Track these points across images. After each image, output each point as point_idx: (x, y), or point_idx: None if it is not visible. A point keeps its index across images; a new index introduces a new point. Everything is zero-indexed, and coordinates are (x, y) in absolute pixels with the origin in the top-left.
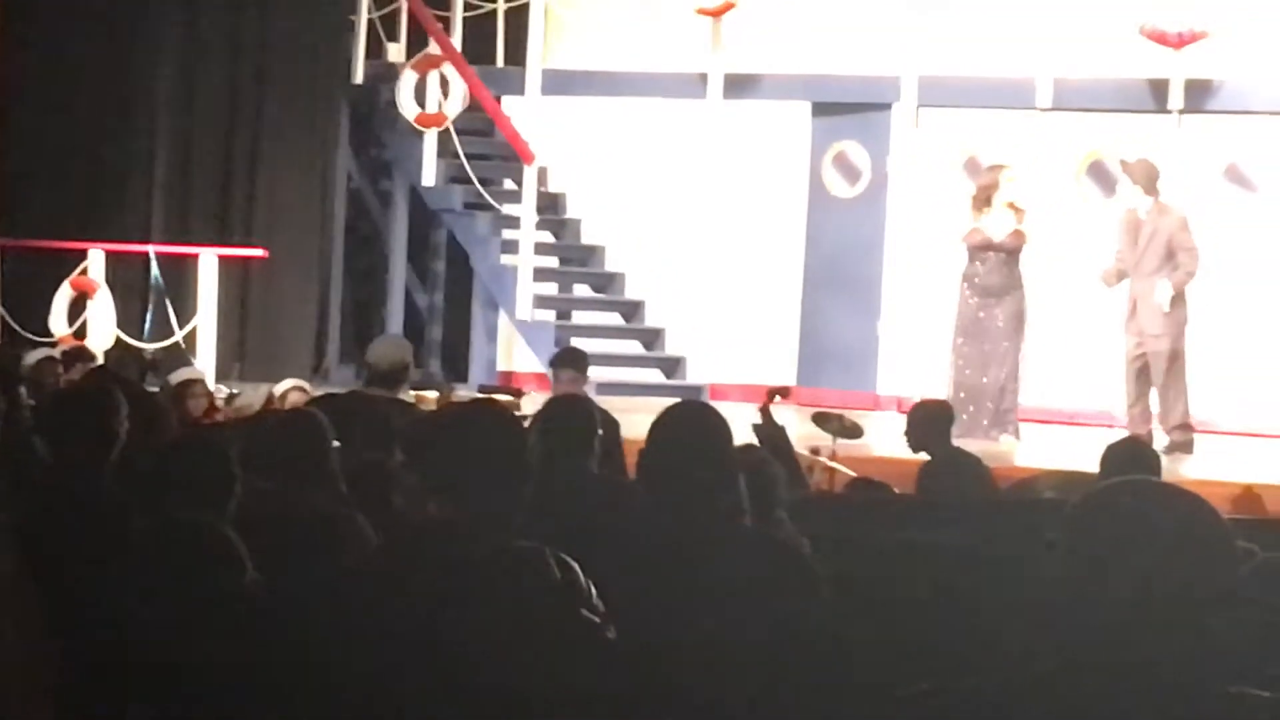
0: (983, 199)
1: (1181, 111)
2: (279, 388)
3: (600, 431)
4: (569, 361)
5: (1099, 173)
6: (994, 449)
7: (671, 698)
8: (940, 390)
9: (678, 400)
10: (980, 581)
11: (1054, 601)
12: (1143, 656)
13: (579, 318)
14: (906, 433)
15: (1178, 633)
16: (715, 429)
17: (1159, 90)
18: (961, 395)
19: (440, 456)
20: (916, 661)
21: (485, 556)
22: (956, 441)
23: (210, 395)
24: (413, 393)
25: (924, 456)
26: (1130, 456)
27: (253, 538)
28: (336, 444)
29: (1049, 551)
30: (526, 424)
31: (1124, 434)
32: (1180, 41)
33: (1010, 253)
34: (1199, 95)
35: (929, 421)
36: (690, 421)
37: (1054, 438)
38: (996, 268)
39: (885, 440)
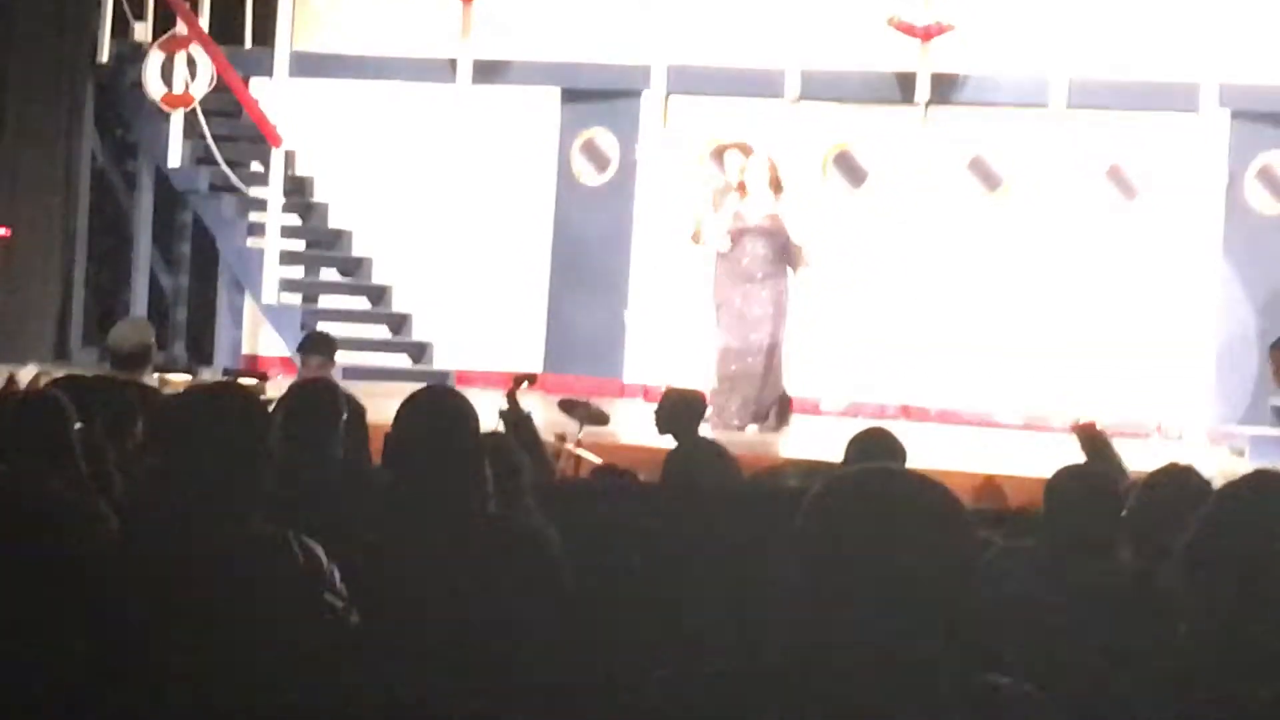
0: (738, 183)
1: (927, 104)
2: (20, 371)
3: (345, 416)
4: (317, 347)
5: (846, 164)
6: (757, 439)
7: (414, 683)
8: (698, 379)
9: (423, 385)
10: (720, 569)
11: (795, 589)
12: (885, 643)
13: (326, 302)
14: (656, 415)
15: (920, 620)
16: (460, 414)
17: (906, 83)
18: (724, 385)
19: (182, 440)
20: (658, 649)
21: (226, 541)
22: (716, 431)
23: None
24: (157, 375)
25: (671, 443)
26: (874, 446)
27: None
28: (78, 426)
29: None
30: (271, 409)
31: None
32: (927, 34)
33: (768, 236)
34: (945, 88)
35: (679, 408)
36: (435, 407)
37: (827, 429)
38: (755, 252)
39: (632, 428)
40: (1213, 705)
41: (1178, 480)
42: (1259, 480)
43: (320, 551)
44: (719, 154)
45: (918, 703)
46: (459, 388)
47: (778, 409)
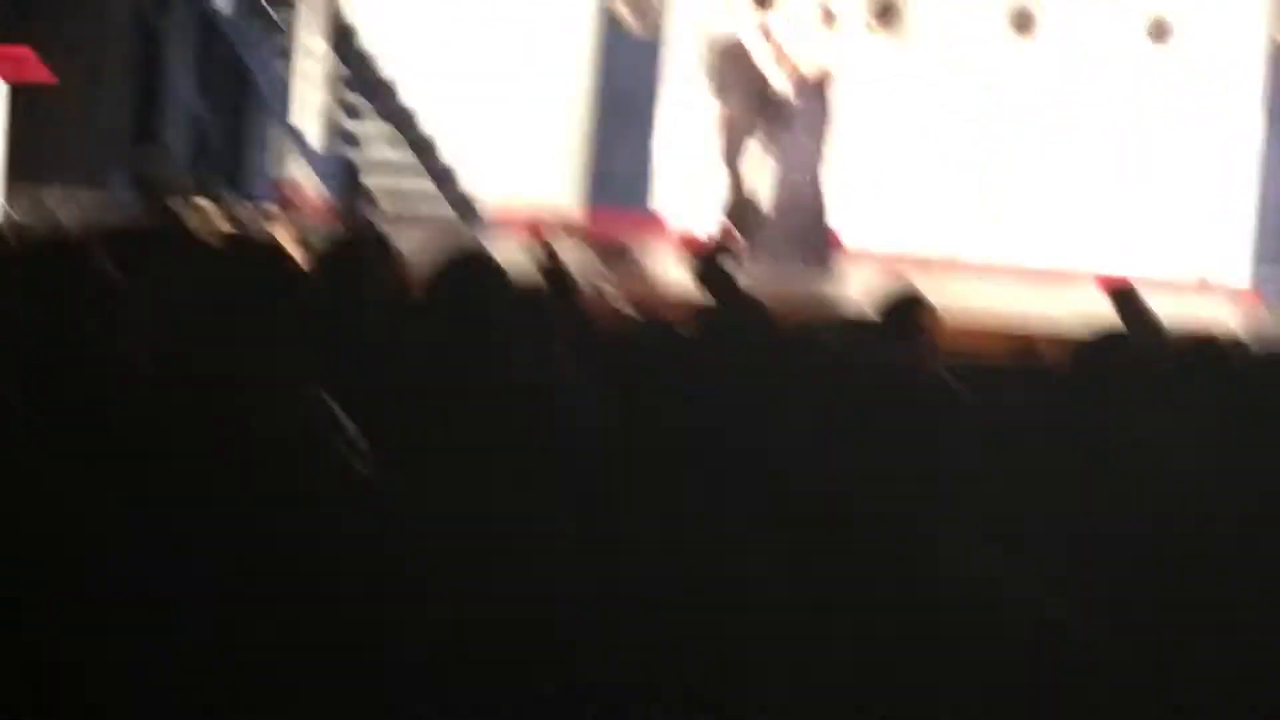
0: None
1: None
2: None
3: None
4: (348, 189)
5: (885, 8)
6: (800, 278)
7: (426, 539)
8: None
9: (452, 256)
10: (758, 424)
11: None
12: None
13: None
14: (695, 273)
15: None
16: (491, 284)
17: None
18: (773, 220)
19: (211, 294)
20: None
21: (248, 391)
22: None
23: None
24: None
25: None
26: (905, 307)
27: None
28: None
29: None
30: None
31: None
32: None
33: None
34: None
35: (715, 265)
36: (464, 279)
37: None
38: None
39: (672, 274)
40: None
41: (1207, 351)
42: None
43: (336, 407)
44: None
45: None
46: (500, 232)
47: (822, 246)
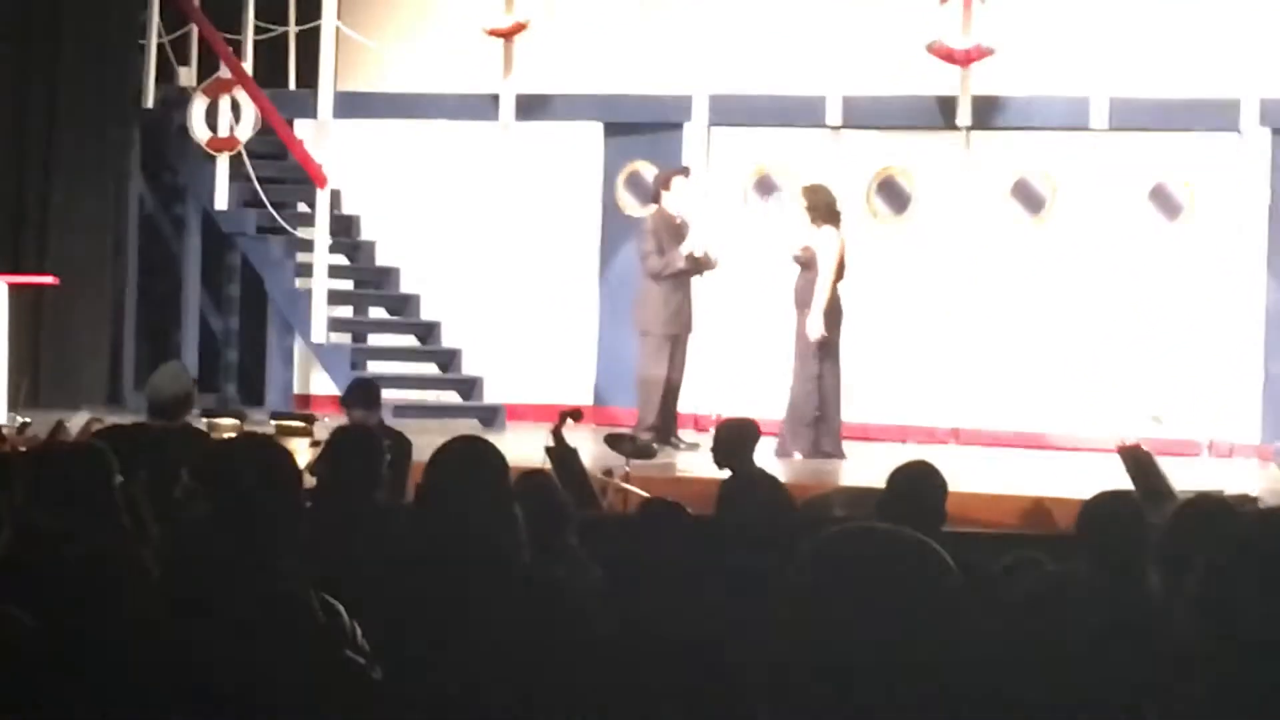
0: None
1: (969, 128)
2: (72, 418)
3: (389, 459)
4: (358, 400)
5: (890, 190)
6: (813, 466)
7: None
8: (750, 407)
9: (451, 438)
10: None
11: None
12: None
13: (375, 340)
14: (713, 449)
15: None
16: (490, 462)
17: (947, 107)
18: (788, 412)
19: (214, 493)
20: (697, 698)
21: (248, 599)
22: (775, 459)
23: None
24: (205, 420)
25: (720, 475)
26: (914, 476)
27: (26, 576)
28: (120, 479)
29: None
30: (316, 452)
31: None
32: (967, 59)
33: (803, 266)
34: (987, 112)
35: (733, 439)
36: (462, 457)
37: (878, 454)
38: (799, 280)
39: (681, 459)
40: None
41: (1207, 506)
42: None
43: (340, 608)
44: (766, 186)
45: None
46: (509, 423)
47: (829, 436)
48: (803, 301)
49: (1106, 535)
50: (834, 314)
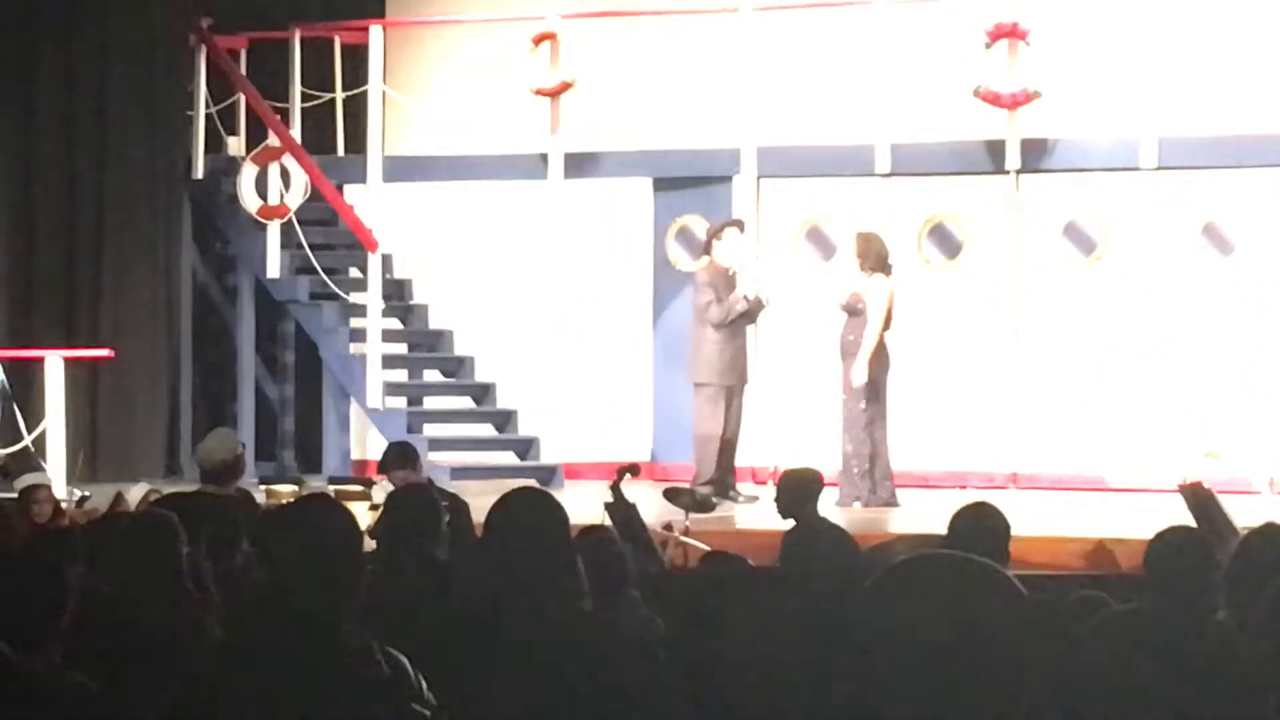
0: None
1: (1018, 171)
2: (131, 490)
3: (448, 517)
4: (396, 462)
5: (941, 236)
6: (872, 515)
7: None
8: (807, 458)
9: (510, 489)
10: (827, 651)
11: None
12: None
13: (430, 403)
14: (776, 500)
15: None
16: (551, 515)
17: (995, 151)
18: (844, 463)
19: (274, 557)
20: None
21: (314, 655)
22: (836, 509)
23: (55, 501)
24: (264, 487)
25: (780, 525)
26: (978, 519)
27: (92, 643)
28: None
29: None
30: (377, 514)
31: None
32: (1014, 103)
33: (850, 314)
34: (1035, 155)
35: (795, 489)
36: (524, 508)
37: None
38: (845, 329)
39: (745, 512)
40: None
41: (1272, 539)
42: None
43: (405, 661)
44: (817, 237)
45: None
46: (567, 481)
47: (884, 483)
48: (848, 351)
49: (1175, 570)
50: (881, 361)
